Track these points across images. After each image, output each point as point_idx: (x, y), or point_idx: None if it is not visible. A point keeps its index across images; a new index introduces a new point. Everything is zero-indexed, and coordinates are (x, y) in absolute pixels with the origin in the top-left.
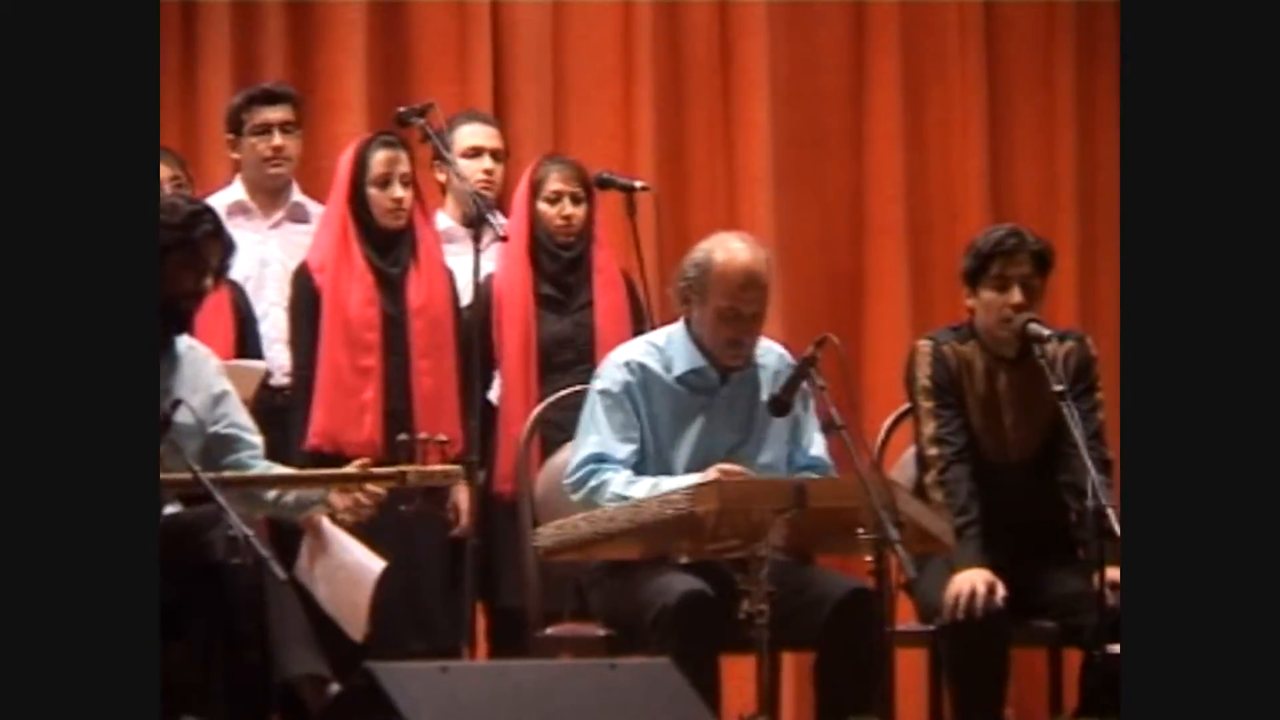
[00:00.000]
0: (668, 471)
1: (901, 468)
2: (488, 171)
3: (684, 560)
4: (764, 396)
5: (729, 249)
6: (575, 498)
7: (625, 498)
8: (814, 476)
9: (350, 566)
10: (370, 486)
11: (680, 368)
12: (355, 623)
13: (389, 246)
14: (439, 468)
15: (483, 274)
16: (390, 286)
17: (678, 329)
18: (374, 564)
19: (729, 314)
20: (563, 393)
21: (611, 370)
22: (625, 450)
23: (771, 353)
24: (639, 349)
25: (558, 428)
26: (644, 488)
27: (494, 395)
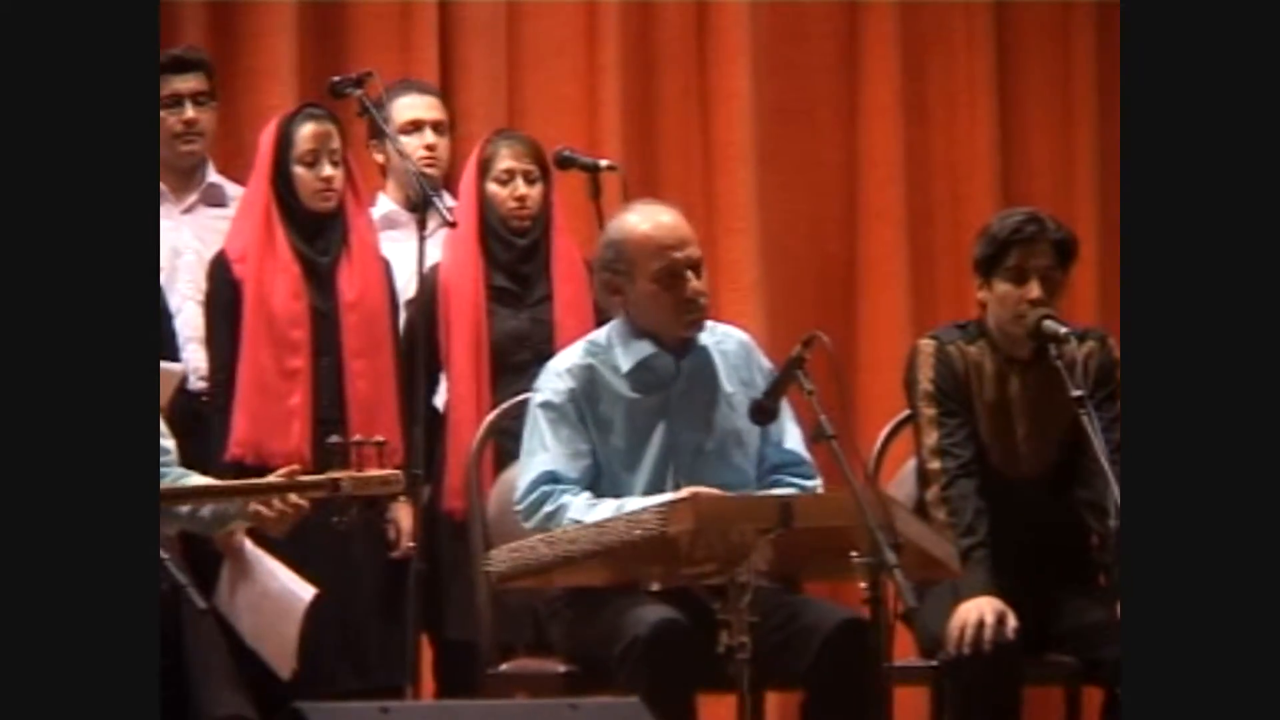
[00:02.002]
0: (626, 485)
1: (900, 483)
2: (429, 147)
3: (655, 587)
4: (725, 384)
5: (640, 212)
6: (528, 525)
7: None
8: (796, 485)
9: (276, 594)
10: (293, 497)
11: (628, 363)
12: (282, 657)
13: (317, 233)
14: (377, 473)
15: (428, 263)
16: (319, 278)
17: (616, 326)
18: (303, 591)
19: (668, 275)
20: (518, 398)
21: (551, 380)
22: (578, 467)
23: (730, 338)
24: (578, 352)
25: (513, 438)
26: (607, 511)
27: (440, 401)
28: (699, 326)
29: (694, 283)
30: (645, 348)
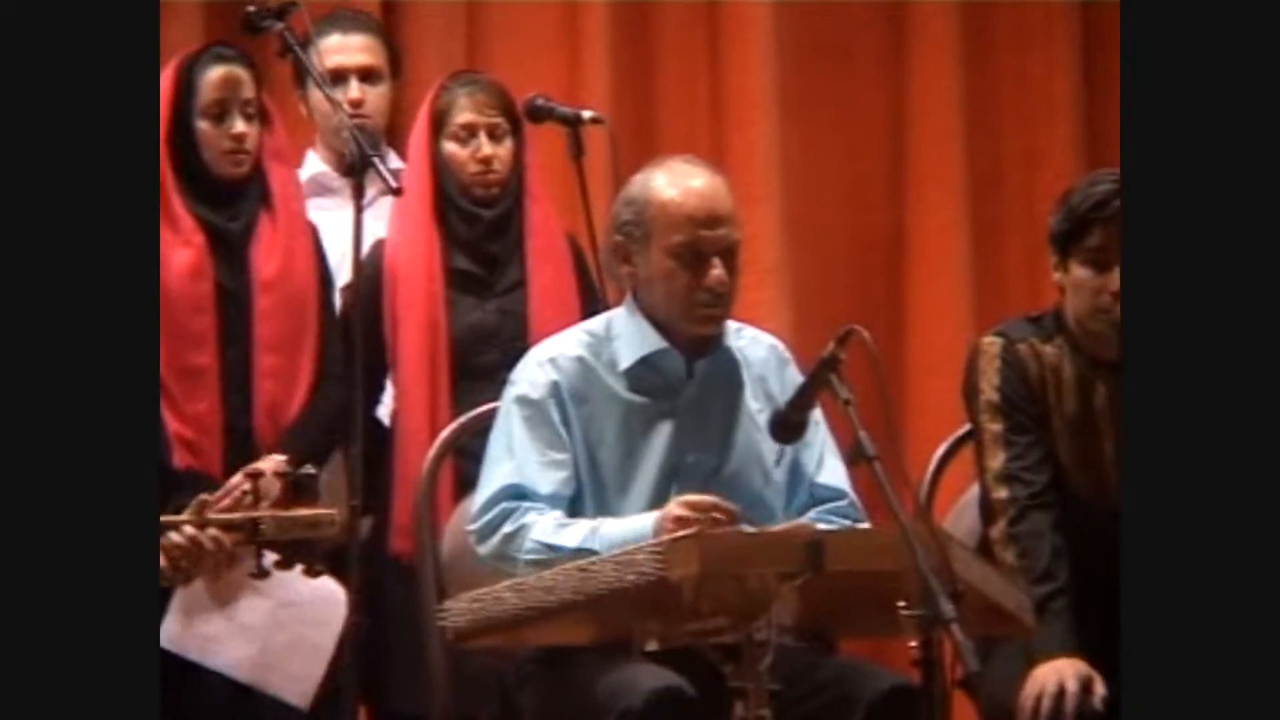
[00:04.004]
0: (615, 510)
1: (959, 515)
2: (354, 103)
3: (652, 647)
4: (749, 399)
5: (669, 171)
6: (483, 550)
7: (554, 548)
8: (833, 522)
9: (305, 601)
10: (214, 532)
11: (629, 358)
12: (304, 681)
13: (226, 200)
14: (305, 513)
15: (368, 240)
16: (228, 249)
17: (621, 310)
18: (336, 590)
19: (686, 252)
20: (483, 409)
21: (531, 371)
22: (552, 480)
23: (759, 343)
24: (569, 341)
25: (475, 459)
26: (579, 533)
27: (385, 412)
28: (714, 324)
29: (718, 270)
30: (653, 341)
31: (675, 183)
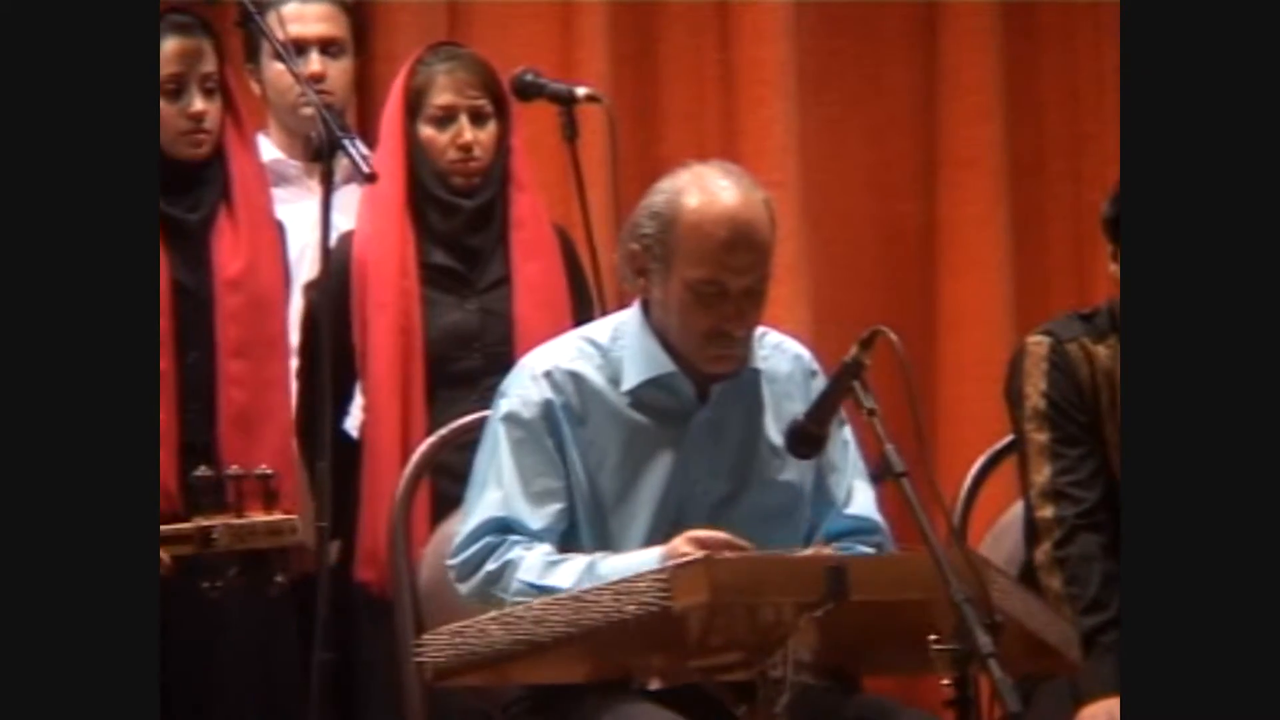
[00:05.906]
0: (613, 545)
1: (998, 537)
2: (315, 77)
3: (655, 685)
4: (769, 421)
5: (704, 188)
6: (464, 589)
7: (544, 589)
8: (861, 550)
9: None
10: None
11: (634, 378)
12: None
13: (184, 186)
14: (265, 518)
15: (336, 233)
16: (186, 242)
17: (630, 319)
18: None
19: (708, 289)
20: (463, 420)
21: (524, 385)
22: (544, 514)
23: (783, 354)
24: (568, 351)
25: (454, 476)
26: (571, 571)
27: (354, 424)
28: (728, 365)
29: (741, 313)
30: (662, 363)
31: (707, 204)
